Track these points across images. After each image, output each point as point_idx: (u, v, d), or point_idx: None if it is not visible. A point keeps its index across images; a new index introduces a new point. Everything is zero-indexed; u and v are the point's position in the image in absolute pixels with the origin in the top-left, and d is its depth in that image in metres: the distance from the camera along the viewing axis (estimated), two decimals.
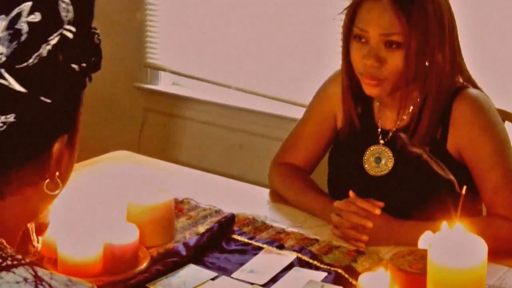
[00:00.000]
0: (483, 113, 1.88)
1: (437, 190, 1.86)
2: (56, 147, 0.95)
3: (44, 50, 0.90)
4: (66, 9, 0.92)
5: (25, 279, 0.86)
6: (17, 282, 0.85)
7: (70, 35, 0.93)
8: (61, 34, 0.92)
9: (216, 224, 1.82)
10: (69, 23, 0.93)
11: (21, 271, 0.87)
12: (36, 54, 0.90)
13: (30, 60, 0.90)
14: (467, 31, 2.13)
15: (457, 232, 1.28)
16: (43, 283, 0.86)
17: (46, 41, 0.91)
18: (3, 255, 0.88)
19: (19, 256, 0.89)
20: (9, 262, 0.87)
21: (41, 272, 0.87)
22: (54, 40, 0.91)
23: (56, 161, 0.96)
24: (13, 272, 0.86)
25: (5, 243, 0.93)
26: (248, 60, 3.47)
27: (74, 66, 0.93)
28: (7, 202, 0.96)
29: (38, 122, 0.92)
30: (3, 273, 0.86)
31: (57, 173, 0.98)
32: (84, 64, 0.95)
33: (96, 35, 0.98)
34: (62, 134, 0.96)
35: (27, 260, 0.89)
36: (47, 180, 0.97)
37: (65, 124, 0.96)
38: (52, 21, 0.91)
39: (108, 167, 2.29)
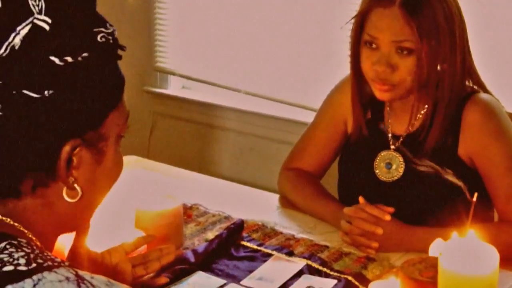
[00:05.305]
0: (495, 118, 1.86)
1: (448, 196, 1.85)
2: (66, 149, 0.94)
3: (16, 40, 0.89)
4: None
5: (67, 278, 0.87)
6: (60, 281, 0.86)
7: (45, 26, 0.91)
8: (33, 24, 0.90)
9: (225, 231, 1.81)
10: (40, 12, 0.91)
11: (63, 271, 0.88)
12: (6, 43, 0.89)
13: (1, 51, 0.89)
14: (476, 33, 2.11)
15: (468, 240, 1.27)
16: (85, 281, 0.88)
17: (14, 30, 0.89)
18: (43, 257, 0.90)
19: (59, 259, 0.91)
20: (50, 263, 0.89)
21: (81, 272, 0.89)
22: (24, 29, 0.90)
23: (66, 164, 0.95)
24: (55, 272, 0.88)
25: (41, 246, 0.94)
26: (258, 64, 3.46)
27: (53, 59, 0.91)
28: (28, 203, 0.97)
29: (30, 118, 0.91)
30: (46, 273, 0.87)
31: (72, 178, 0.97)
32: (69, 58, 0.92)
33: (102, 34, 0.97)
34: (71, 136, 0.94)
35: (67, 263, 0.90)
36: (65, 186, 0.97)
37: (73, 125, 0.94)
38: (18, 10, 0.90)
39: None
